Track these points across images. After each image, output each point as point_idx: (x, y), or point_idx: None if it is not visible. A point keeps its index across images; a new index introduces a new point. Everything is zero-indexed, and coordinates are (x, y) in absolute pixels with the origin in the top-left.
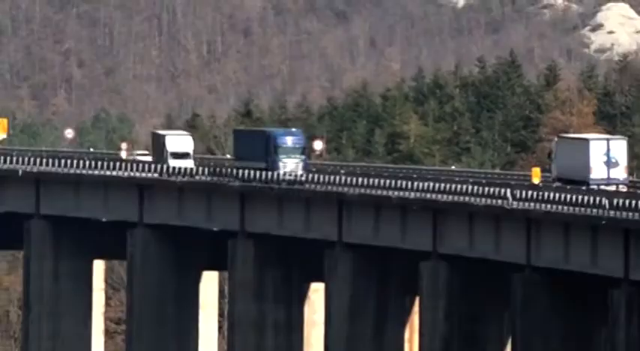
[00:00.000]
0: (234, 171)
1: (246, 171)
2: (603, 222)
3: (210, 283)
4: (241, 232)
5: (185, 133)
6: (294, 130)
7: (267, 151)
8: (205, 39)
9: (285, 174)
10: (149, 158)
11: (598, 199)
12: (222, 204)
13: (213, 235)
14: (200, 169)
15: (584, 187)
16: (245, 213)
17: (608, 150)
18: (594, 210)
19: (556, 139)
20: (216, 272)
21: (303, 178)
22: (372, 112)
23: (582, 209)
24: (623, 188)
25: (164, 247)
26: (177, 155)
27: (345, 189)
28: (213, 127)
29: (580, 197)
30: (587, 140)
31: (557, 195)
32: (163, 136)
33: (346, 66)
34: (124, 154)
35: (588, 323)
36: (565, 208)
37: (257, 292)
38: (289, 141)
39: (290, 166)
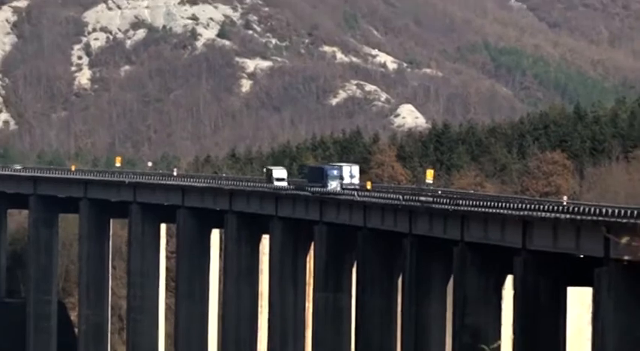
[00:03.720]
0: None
1: (313, 188)
2: (399, 207)
3: None
4: None
5: (282, 167)
6: (336, 165)
7: (322, 177)
8: (213, 118)
9: (330, 189)
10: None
11: (397, 196)
12: None
13: None
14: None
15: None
16: None
17: (351, 170)
18: (395, 201)
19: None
20: None
21: (340, 191)
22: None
23: (392, 201)
24: (357, 187)
25: None
26: (279, 179)
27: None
28: (217, 161)
29: (394, 196)
30: (341, 166)
31: (380, 194)
32: (271, 169)
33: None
34: (175, 173)
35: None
36: (383, 201)
37: None
38: (334, 172)
39: (333, 185)
